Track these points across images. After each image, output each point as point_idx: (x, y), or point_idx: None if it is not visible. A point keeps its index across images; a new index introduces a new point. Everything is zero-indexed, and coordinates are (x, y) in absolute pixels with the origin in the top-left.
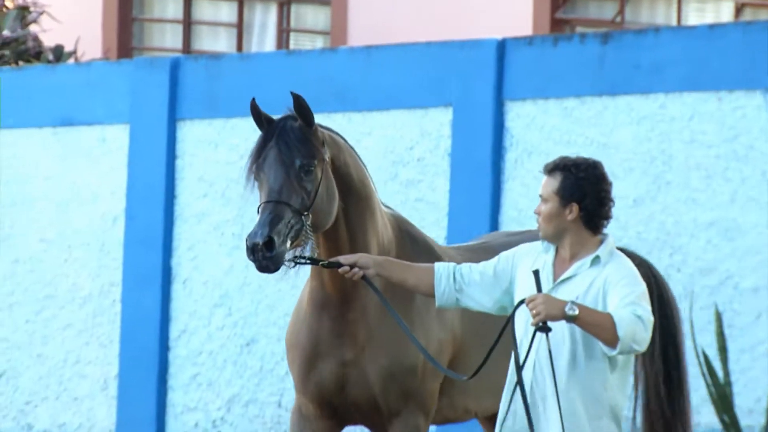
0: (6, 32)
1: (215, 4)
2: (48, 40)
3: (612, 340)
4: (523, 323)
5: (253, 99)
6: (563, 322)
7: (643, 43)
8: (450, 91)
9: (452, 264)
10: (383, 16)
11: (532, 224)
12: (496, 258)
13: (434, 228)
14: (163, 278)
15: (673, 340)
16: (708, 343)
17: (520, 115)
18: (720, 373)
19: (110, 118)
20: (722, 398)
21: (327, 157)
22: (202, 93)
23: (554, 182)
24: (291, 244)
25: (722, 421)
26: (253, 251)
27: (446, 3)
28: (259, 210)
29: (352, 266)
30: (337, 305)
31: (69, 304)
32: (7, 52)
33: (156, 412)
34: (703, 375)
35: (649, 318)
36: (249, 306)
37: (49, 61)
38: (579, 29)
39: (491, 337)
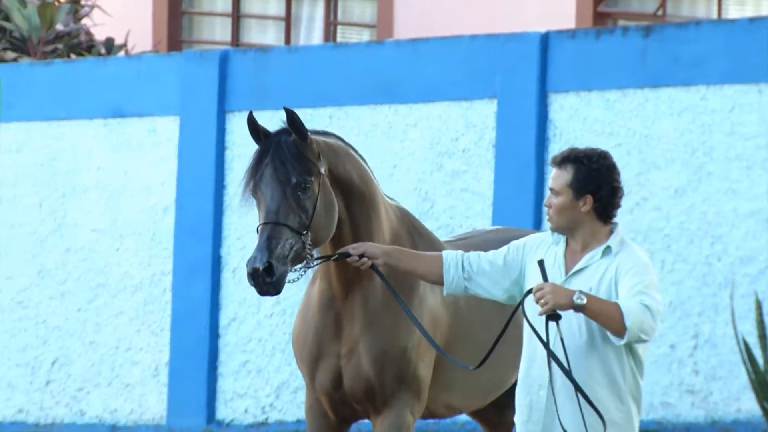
0: (59, 26)
1: None
2: (99, 34)
3: (619, 329)
4: (532, 314)
5: (251, 113)
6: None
7: (684, 37)
8: (494, 83)
9: (460, 252)
10: (429, 9)
11: None
12: (505, 247)
13: (479, 218)
14: (212, 267)
15: None
16: (748, 330)
17: (563, 106)
18: (760, 361)
19: (160, 110)
20: (762, 385)
21: (323, 170)
22: (251, 85)
23: (566, 175)
24: (292, 265)
25: (763, 407)
26: (253, 276)
27: None
28: (258, 231)
29: (360, 256)
30: (341, 303)
31: (121, 293)
32: (60, 46)
33: (206, 398)
34: (744, 362)
35: (657, 308)
36: (297, 294)
37: (100, 54)
38: (621, 23)
39: (480, 331)
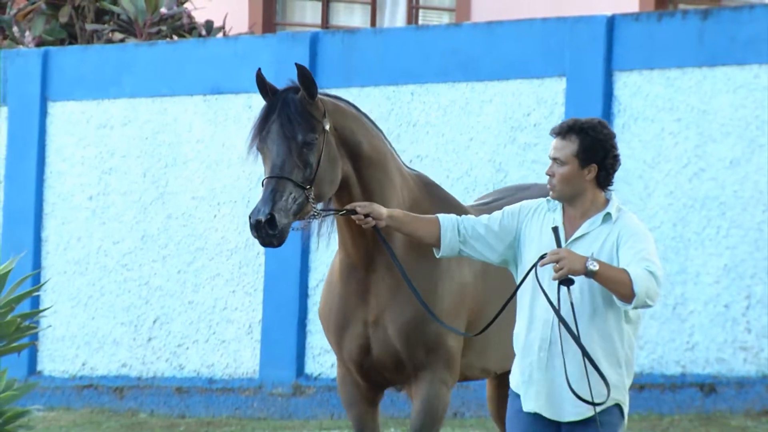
0: (163, 10)
1: None
2: (200, 17)
3: (628, 295)
4: (543, 278)
5: (259, 70)
6: (583, 277)
7: (739, 19)
8: (564, 62)
9: (455, 216)
10: None
11: (639, 184)
12: (500, 212)
13: None
14: (302, 232)
15: None
16: None
17: (627, 84)
18: None
19: (255, 87)
20: None
21: (327, 127)
22: (339, 64)
23: (572, 145)
24: (294, 218)
25: None
26: (256, 228)
27: None
28: (263, 184)
29: (366, 216)
30: (362, 271)
31: (217, 256)
32: (163, 28)
33: (296, 354)
34: None
35: (661, 273)
36: None
37: (200, 36)
38: (681, 6)
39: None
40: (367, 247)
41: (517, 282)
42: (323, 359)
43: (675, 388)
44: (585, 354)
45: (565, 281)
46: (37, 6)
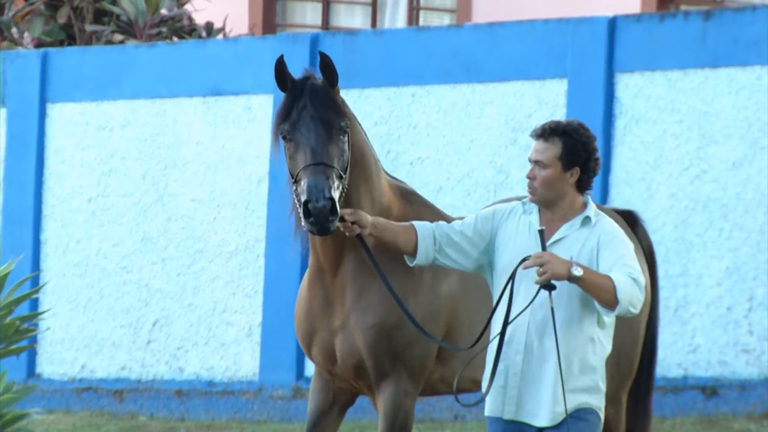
0: (163, 11)
1: None
2: (200, 18)
3: (612, 302)
4: (521, 281)
5: (281, 56)
6: (565, 282)
7: (741, 20)
8: (565, 63)
9: (429, 224)
10: None
11: (641, 185)
12: (473, 217)
13: None
14: (302, 234)
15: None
16: None
17: (628, 85)
18: None
19: (256, 88)
20: None
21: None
22: (340, 66)
23: (555, 148)
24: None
25: None
26: (317, 215)
27: None
28: (305, 170)
29: (353, 223)
30: (329, 276)
31: (217, 258)
32: (163, 29)
33: (296, 356)
34: None
35: (643, 281)
36: None
37: (200, 37)
38: (683, 7)
39: (487, 305)
40: (335, 252)
41: (494, 286)
42: None
43: (677, 390)
44: (559, 364)
45: (547, 286)
46: (35, 7)
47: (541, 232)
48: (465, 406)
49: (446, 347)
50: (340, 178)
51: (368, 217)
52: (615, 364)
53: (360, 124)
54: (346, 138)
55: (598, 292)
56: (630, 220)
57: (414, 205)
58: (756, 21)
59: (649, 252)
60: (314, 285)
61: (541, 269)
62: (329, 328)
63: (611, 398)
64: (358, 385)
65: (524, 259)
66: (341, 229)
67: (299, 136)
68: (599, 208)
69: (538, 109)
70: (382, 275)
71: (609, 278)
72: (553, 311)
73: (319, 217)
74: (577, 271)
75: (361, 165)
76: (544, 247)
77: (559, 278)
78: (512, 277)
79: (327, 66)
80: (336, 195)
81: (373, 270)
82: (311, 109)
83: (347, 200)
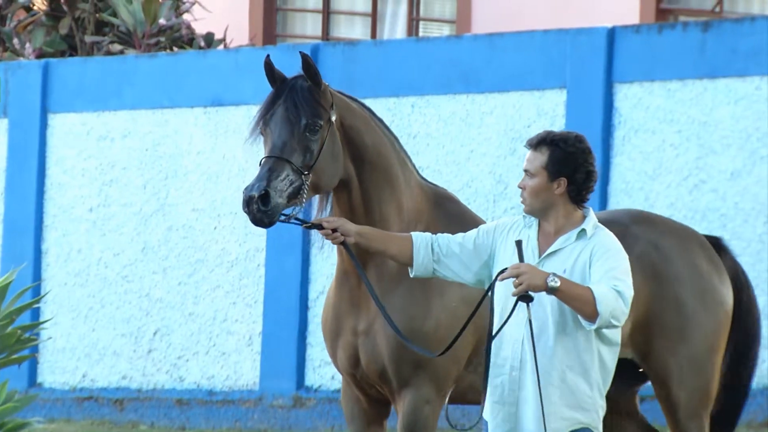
0: (162, 21)
1: None
2: (200, 28)
3: (591, 314)
4: (503, 295)
5: (268, 56)
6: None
7: (740, 31)
8: (564, 74)
9: (429, 234)
10: (504, 5)
11: (640, 195)
12: (475, 231)
13: None
14: (303, 244)
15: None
16: None
17: (627, 96)
18: None
19: (256, 98)
20: None
21: (333, 119)
22: (340, 76)
23: (542, 157)
24: (288, 202)
25: None
26: (248, 204)
27: None
28: (260, 164)
29: (334, 230)
30: (355, 277)
31: (218, 268)
32: (163, 39)
33: (296, 365)
34: None
35: (630, 293)
36: None
37: (200, 48)
38: (682, 18)
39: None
40: (359, 254)
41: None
42: (324, 371)
43: None
44: (538, 379)
45: (525, 297)
46: (37, 18)
47: (518, 243)
48: (461, 431)
49: (423, 354)
50: (299, 173)
51: (352, 225)
52: (692, 376)
53: (382, 126)
54: (316, 136)
55: (577, 304)
56: (716, 246)
57: (445, 212)
58: (754, 32)
59: (735, 276)
60: (341, 287)
61: (516, 281)
62: (355, 330)
63: (690, 413)
64: (383, 391)
65: (502, 271)
66: (324, 237)
67: (268, 132)
68: (678, 224)
69: (537, 119)
70: (369, 284)
71: (589, 290)
72: (531, 323)
73: (249, 206)
74: (554, 283)
75: (379, 166)
76: (521, 259)
77: (535, 290)
78: (491, 289)
79: (308, 66)
80: (283, 188)
81: (398, 275)
82: (283, 107)
83: (368, 204)
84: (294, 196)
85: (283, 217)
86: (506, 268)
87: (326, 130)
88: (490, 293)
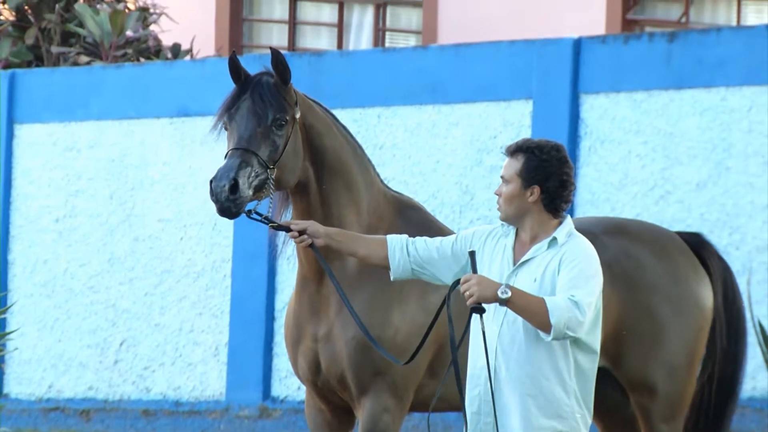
0: (129, 32)
1: (318, 5)
2: (166, 40)
3: (545, 325)
4: (464, 305)
5: (233, 52)
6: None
7: (706, 41)
8: (530, 85)
9: (405, 237)
10: (470, 16)
11: (606, 206)
12: (453, 236)
13: None
14: (269, 255)
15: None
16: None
17: (593, 106)
18: None
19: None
20: None
21: (297, 116)
22: (306, 86)
23: (516, 164)
24: (253, 194)
25: None
26: (217, 193)
27: (527, 5)
28: (227, 156)
29: (301, 233)
30: (314, 284)
31: (184, 278)
32: (129, 51)
33: (262, 376)
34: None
35: (588, 301)
36: None
37: (167, 59)
38: (648, 29)
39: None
40: (318, 260)
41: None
42: (290, 381)
43: None
44: (491, 386)
45: (477, 309)
46: (3, 28)
47: (471, 253)
48: None
49: (391, 360)
50: (264, 167)
51: (321, 227)
52: (666, 382)
53: (345, 131)
54: (281, 132)
55: (528, 315)
56: (697, 243)
57: (407, 220)
58: (720, 42)
59: (721, 275)
60: (301, 293)
61: (467, 292)
62: (315, 336)
63: (664, 417)
64: (345, 397)
65: (456, 282)
66: (292, 239)
67: (233, 125)
68: (656, 229)
69: (503, 130)
70: (339, 288)
71: (542, 301)
72: (484, 334)
73: (218, 195)
74: (504, 294)
75: (338, 172)
76: (474, 270)
77: (485, 301)
78: (447, 299)
79: (279, 62)
80: (249, 180)
81: (358, 278)
82: (249, 102)
83: (326, 208)
84: (259, 189)
85: (250, 211)
86: (459, 280)
87: (291, 126)
88: (446, 305)
